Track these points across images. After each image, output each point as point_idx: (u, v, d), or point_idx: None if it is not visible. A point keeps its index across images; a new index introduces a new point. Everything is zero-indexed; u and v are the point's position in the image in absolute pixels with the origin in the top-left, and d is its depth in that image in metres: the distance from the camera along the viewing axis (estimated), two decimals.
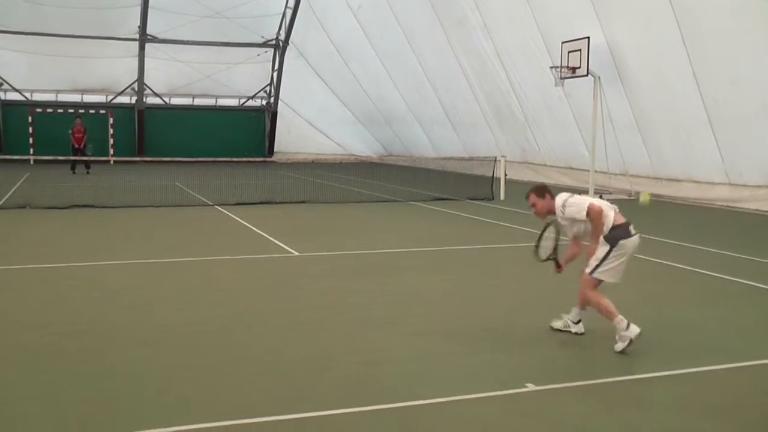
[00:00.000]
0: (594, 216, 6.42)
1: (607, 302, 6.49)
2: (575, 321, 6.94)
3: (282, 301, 8.42)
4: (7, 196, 19.00)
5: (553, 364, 6.24)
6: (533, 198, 6.81)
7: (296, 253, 11.40)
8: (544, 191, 6.81)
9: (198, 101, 37.52)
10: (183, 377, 5.82)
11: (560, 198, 6.71)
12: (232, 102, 38.21)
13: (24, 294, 8.75)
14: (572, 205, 6.57)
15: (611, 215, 6.51)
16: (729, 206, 18.19)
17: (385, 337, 6.95)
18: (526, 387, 5.53)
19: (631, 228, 6.55)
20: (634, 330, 6.27)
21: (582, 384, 5.66)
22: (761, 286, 9.33)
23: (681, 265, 10.62)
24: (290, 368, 5.99)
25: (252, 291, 8.94)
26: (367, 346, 6.69)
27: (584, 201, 6.55)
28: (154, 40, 34.56)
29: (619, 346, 6.33)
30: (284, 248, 11.81)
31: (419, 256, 11.53)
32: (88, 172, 27.54)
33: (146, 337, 6.88)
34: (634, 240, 6.52)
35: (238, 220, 15.09)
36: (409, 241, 12.98)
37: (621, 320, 6.33)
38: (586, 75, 19.76)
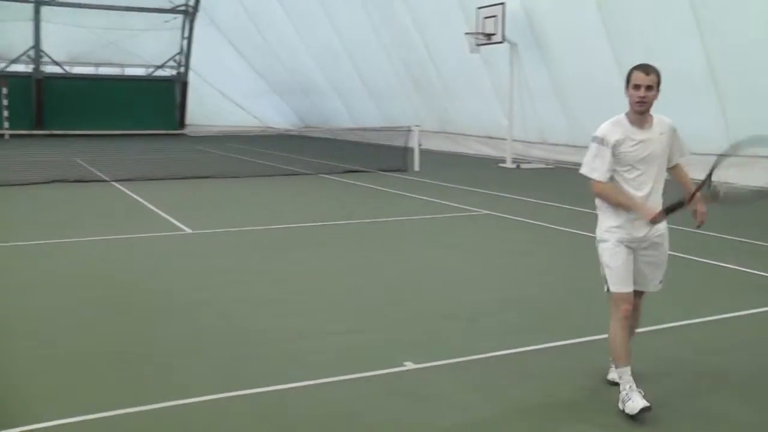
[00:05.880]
0: None
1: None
2: None
3: (156, 283, 7.85)
4: None
5: (436, 340, 5.92)
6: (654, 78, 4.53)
7: (189, 231, 10.82)
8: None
9: (102, 70, 35.50)
10: (26, 372, 5.30)
11: None
12: (140, 71, 36.39)
13: None
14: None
15: None
16: None
17: (263, 318, 6.58)
18: (404, 366, 5.27)
19: None
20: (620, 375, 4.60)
21: (463, 360, 5.44)
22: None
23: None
24: (158, 354, 5.63)
25: (127, 273, 8.26)
26: (243, 327, 6.29)
27: None
28: (51, 2, 32.46)
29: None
30: (177, 225, 11.20)
31: (318, 231, 10.97)
32: None
33: None
34: None
35: (134, 196, 14.23)
36: (311, 215, 12.35)
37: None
38: (502, 41, 19.35)
